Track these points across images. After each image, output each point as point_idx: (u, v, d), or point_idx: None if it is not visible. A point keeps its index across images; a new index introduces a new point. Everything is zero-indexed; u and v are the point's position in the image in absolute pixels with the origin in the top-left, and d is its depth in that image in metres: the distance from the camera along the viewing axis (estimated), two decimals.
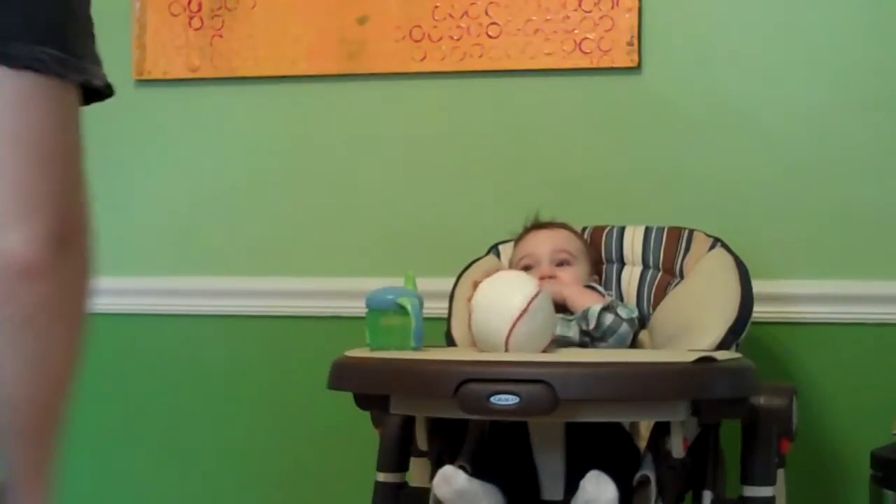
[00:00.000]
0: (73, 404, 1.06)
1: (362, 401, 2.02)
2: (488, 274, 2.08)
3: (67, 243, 0.96)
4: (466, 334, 2.32)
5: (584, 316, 2.18)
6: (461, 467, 2.04)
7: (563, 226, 2.39)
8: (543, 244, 2.33)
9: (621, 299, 2.40)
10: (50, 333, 0.98)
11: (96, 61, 1.01)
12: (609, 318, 2.17)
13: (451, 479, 1.95)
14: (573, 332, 2.19)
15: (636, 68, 2.62)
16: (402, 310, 1.99)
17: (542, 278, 2.28)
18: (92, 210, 1.00)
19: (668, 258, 2.39)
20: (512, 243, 2.43)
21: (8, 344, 0.97)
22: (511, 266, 2.39)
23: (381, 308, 2.03)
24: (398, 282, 2.10)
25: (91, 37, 1.01)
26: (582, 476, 1.92)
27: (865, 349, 2.52)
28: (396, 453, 2.17)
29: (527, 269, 2.32)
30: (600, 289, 2.31)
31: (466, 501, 1.95)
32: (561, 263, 2.31)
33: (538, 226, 2.40)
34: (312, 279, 2.78)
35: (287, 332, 2.79)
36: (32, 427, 1.05)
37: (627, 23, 2.61)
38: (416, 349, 1.99)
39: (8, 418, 1.01)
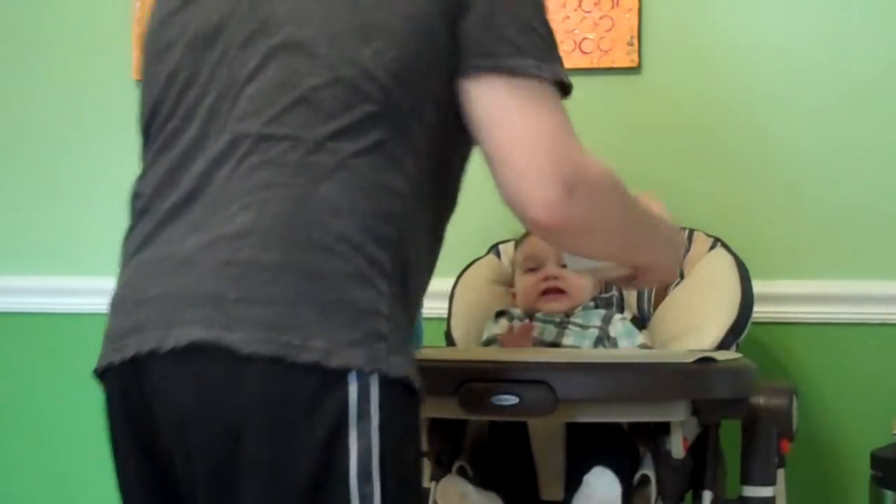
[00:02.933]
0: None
1: None
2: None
3: (572, 190, 1.33)
4: (467, 334, 2.33)
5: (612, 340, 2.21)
6: (461, 468, 2.04)
7: None
8: (547, 245, 2.33)
9: (622, 300, 2.40)
10: (591, 240, 1.45)
11: (560, 61, 1.44)
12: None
13: (451, 488, 1.95)
14: (587, 344, 2.19)
15: (636, 68, 2.62)
16: None
17: (546, 279, 2.29)
18: (588, 159, 1.40)
19: None
20: (512, 243, 2.43)
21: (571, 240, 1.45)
22: (514, 267, 2.39)
23: None
24: None
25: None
26: (582, 476, 1.92)
27: (865, 349, 2.52)
28: None
29: (531, 271, 2.32)
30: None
31: None
32: (565, 264, 2.31)
33: None
34: None
35: None
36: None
37: (627, 23, 2.61)
38: (416, 349, 1.99)
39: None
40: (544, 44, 1.38)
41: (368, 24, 1.34)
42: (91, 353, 3.13)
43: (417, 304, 1.48)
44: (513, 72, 1.32)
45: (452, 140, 1.44)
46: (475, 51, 1.34)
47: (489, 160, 1.37)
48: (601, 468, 1.90)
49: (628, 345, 2.21)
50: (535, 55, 1.35)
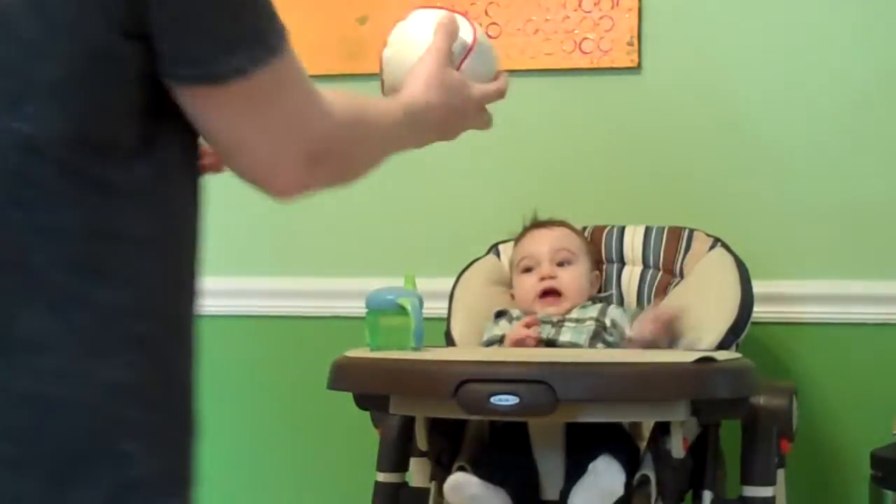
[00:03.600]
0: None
1: (362, 401, 2.02)
2: None
3: (317, 163, 1.17)
4: (467, 334, 2.33)
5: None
6: (461, 468, 2.04)
7: (562, 224, 2.38)
8: (543, 244, 2.33)
9: (621, 299, 2.40)
10: (353, 175, 1.31)
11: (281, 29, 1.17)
12: None
13: (464, 486, 1.95)
14: (584, 339, 2.19)
15: (636, 68, 2.62)
16: (401, 310, 1.99)
17: (542, 279, 2.29)
18: (324, 114, 1.17)
19: (668, 258, 2.39)
20: (512, 243, 2.43)
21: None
22: (512, 268, 2.39)
23: (380, 308, 2.03)
24: (398, 282, 2.10)
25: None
26: (582, 475, 1.92)
27: (865, 349, 2.52)
28: (396, 453, 2.17)
29: (527, 269, 2.32)
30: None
31: None
32: (561, 262, 2.31)
33: (537, 225, 2.39)
34: (312, 279, 2.78)
35: (287, 332, 2.79)
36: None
37: (627, 23, 2.61)
38: (415, 349, 1.99)
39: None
40: (253, 15, 1.11)
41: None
42: None
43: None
44: (225, 79, 1.06)
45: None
46: (176, 57, 1.06)
47: (221, 152, 1.17)
48: (608, 457, 1.90)
49: (622, 321, 2.20)
50: (247, 43, 1.08)
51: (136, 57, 1.04)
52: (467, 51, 1.45)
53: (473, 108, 1.49)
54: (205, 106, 1.08)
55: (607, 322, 2.21)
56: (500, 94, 1.52)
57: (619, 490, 1.89)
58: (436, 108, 1.40)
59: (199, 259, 1.22)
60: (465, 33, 1.45)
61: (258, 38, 1.10)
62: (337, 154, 1.19)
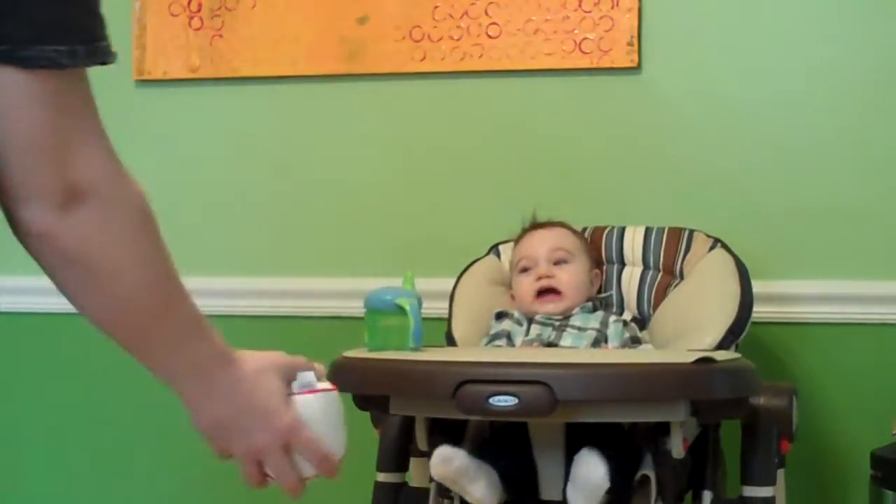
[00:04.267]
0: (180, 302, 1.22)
1: (362, 401, 2.02)
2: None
3: (78, 202, 1.06)
4: (468, 334, 2.33)
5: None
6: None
7: (560, 224, 2.38)
8: (540, 244, 2.33)
9: (621, 300, 2.40)
10: (95, 271, 1.11)
11: (104, 36, 1.10)
12: None
13: (450, 458, 1.94)
14: (584, 345, 2.19)
15: (636, 68, 2.62)
16: (400, 310, 1.99)
17: (539, 278, 2.29)
18: (106, 162, 1.10)
19: (668, 258, 2.39)
20: (512, 243, 2.43)
21: (64, 285, 1.12)
22: (510, 268, 2.39)
23: (379, 308, 2.03)
24: (398, 282, 2.10)
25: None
26: None
27: (865, 349, 2.52)
28: (396, 453, 2.17)
29: (525, 270, 2.32)
30: (639, 336, 2.27)
31: (466, 479, 1.94)
32: (558, 262, 2.31)
33: (535, 226, 2.40)
34: (312, 279, 2.78)
35: (287, 332, 2.79)
36: (139, 344, 1.21)
37: (627, 23, 2.61)
38: (414, 349, 1.99)
39: (114, 338, 1.18)
40: (76, 13, 1.07)
41: None
42: (91, 353, 3.14)
43: None
44: (24, 64, 1.01)
45: None
46: None
47: None
48: (588, 449, 1.89)
49: (613, 339, 2.20)
50: (63, 38, 1.04)
51: None
52: (313, 389, 1.33)
53: (274, 432, 1.29)
54: None
55: (609, 333, 2.22)
56: (320, 459, 1.38)
57: (603, 481, 1.87)
58: (240, 381, 1.25)
59: None
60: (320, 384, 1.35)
61: (83, 37, 1.06)
62: (101, 209, 1.08)
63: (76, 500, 2.94)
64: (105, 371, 2.88)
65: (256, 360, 1.29)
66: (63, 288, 1.12)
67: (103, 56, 1.08)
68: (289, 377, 1.30)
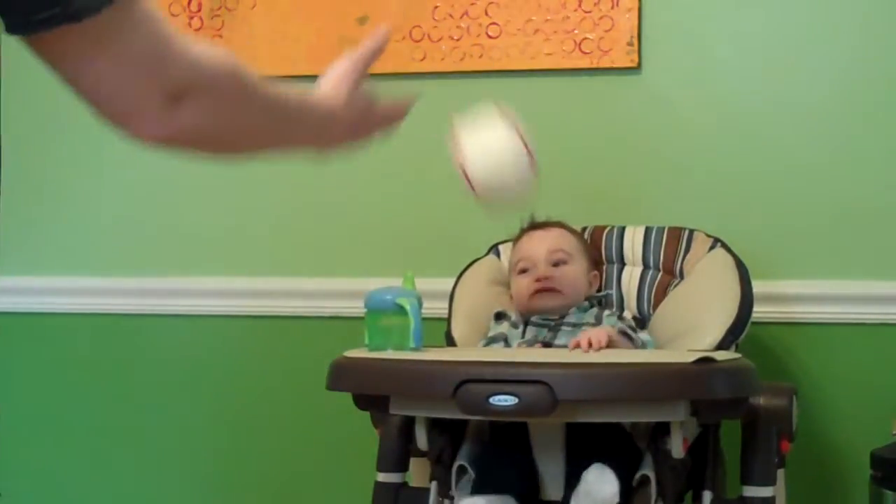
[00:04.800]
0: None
1: (362, 401, 2.02)
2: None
3: (178, 100, 1.11)
4: (467, 334, 2.33)
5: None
6: (461, 468, 2.04)
7: (559, 224, 2.38)
8: (539, 245, 2.33)
9: (621, 299, 2.40)
10: (227, 134, 1.21)
11: None
12: None
13: None
14: None
15: (636, 68, 2.62)
16: (400, 310, 1.99)
17: (538, 279, 2.29)
18: (195, 61, 1.13)
19: (668, 258, 2.39)
20: (511, 243, 2.43)
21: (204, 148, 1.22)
22: (509, 270, 2.39)
23: (379, 308, 2.03)
24: (398, 282, 2.10)
25: None
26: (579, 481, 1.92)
27: (865, 349, 2.52)
28: (396, 453, 2.17)
29: (524, 271, 2.32)
30: (630, 333, 2.24)
31: None
32: (557, 263, 2.31)
33: (533, 226, 2.39)
34: (312, 279, 2.78)
35: (287, 332, 2.79)
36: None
37: (627, 23, 2.61)
38: (415, 349, 1.99)
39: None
40: None
41: None
42: (91, 353, 3.14)
43: None
44: (79, 16, 1.07)
45: None
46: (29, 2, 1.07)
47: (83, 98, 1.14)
48: (600, 465, 1.90)
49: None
50: None
51: None
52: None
53: (374, 126, 1.48)
54: (61, 52, 1.08)
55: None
56: (401, 114, 1.52)
57: (613, 498, 1.88)
58: (335, 119, 1.41)
59: None
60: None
61: None
62: (200, 96, 1.14)
63: (76, 499, 2.94)
64: (105, 371, 2.88)
65: (334, 85, 1.46)
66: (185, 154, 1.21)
67: None
68: (371, 55, 1.48)
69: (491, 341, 2.26)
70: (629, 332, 2.24)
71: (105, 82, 1.10)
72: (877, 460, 2.25)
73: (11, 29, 1.07)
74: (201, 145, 1.20)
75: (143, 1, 1.12)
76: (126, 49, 1.09)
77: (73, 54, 1.09)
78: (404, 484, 2.18)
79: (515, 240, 2.40)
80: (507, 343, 2.25)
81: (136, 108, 1.11)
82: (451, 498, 2.07)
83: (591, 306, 2.29)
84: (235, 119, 1.21)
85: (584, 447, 2.00)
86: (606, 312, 2.27)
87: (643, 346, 2.21)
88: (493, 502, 1.97)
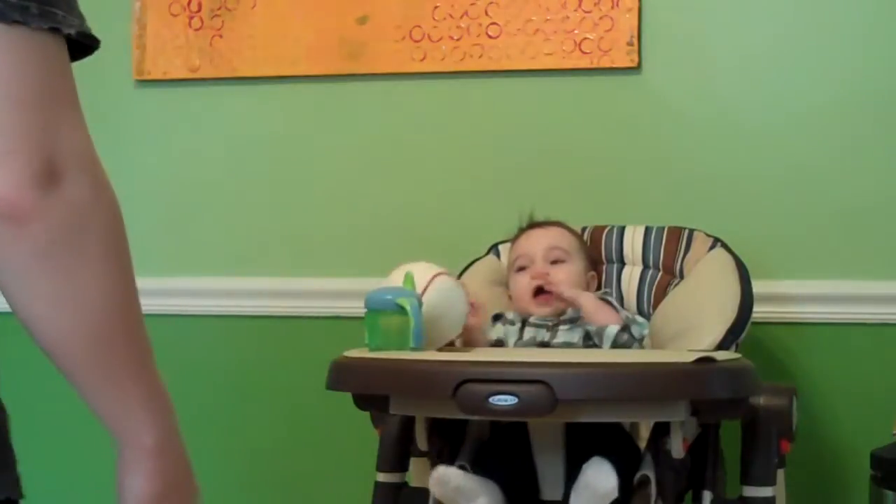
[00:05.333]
0: (140, 337, 1.08)
1: (362, 401, 2.02)
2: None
3: (56, 180, 0.95)
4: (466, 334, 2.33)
5: (599, 333, 2.18)
6: (461, 467, 2.04)
7: (557, 224, 2.38)
8: (537, 243, 2.33)
9: (621, 299, 2.40)
10: (63, 270, 0.97)
11: (69, 10, 1.00)
12: (623, 338, 2.17)
13: (446, 479, 1.95)
14: (577, 338, 2.19)
15: (636, 68, 2.62)
16: (401, 310, 1.99)
17: (535, 277, 2.29)
18: (90, 148, 1.00)
19: (668, 258, 2.39)
20: (510, 243, 2.43)
21: (23, 288, 0.98)
22: (507, 267, 2.39)
23: (379, 308, 2.03)
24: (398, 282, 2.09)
25: None
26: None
27: (865, 349, 2.52)
28: (396, 453, 2.17)
29: (521, 269, 2.32)
30: (614, 303, 2.29)
31: (465, 498, 1.95)
32: (555, 261, 2.31)
33: (532, 225, 2.40)
34: (312, 279, 2.78)
35: (287, 332, 2.79)
36: (94, 366, 1.06)
37: (627, 23, 2.61)
38: (415, 349, 1.99)
39: (62, 363, 1.03)
40: None
41: None
42: None
43: None
44: None
45: None
46: None
47: None
48: (599, 459, 1.90)
49: (622, 341, 2.19)
50: None
51: None
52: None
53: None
54: None
55: (591, 328, 2.22)
56: None
57: (612, 492, 1.88)
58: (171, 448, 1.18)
59: None
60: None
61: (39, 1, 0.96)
62: (83, 192, 0.97)
63: (76, 500, 2.94)
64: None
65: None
66: (19, 289, 0.98)
67: (56, 21, 0.97)
68: None
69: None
70: (614, 302, 2.24)
71: None
72: (877, 460, 2.25)
73: None
74: (47, 252, 0.97)
75: (70, 73, 1.00)
76: (23, 95, 0.95)
77: None
78: (404, 484, 2.18)
79: (514, 238, 2.40)
80: (502, 344, 2.25)
81: (5, 160, 0.94)
82: None
83: None
84: (107, 247, 1.01)
85: (584, 447, 2.00)
86: None
87: (632, 321, 2.21)
88: (466, 478, 1.96)
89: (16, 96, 0.94)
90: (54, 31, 0.97)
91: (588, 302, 2.23)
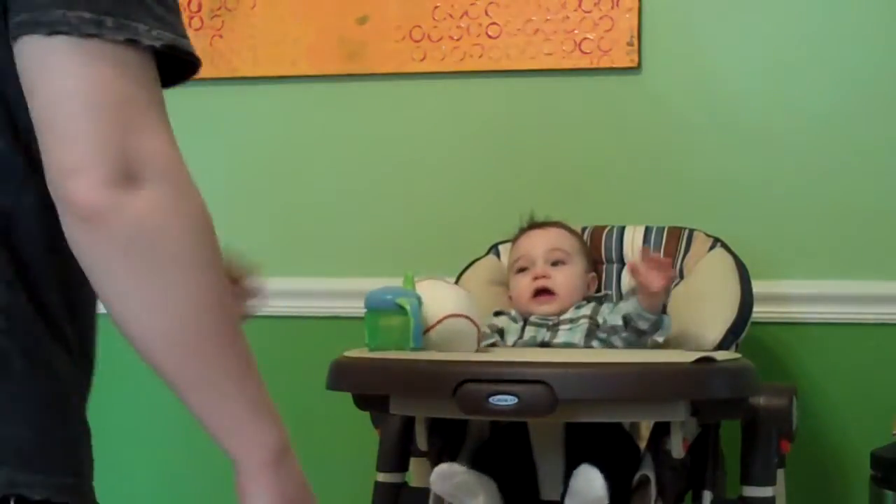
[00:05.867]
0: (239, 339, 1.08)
1: (362, 401, 2.02)
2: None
3: (133, 185, 0.99)
4: None
5: (657, 324, 2.14)
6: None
7: (558, 224, 2.38)
8: (537, 244, 2.33)
9: (621, 299, 2.40)
10: (144, 271, 1.00)
11: (157, 23, 1.03)
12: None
13: (451, 474, 1.95)
14: (578, 338, 2.19)
15: (636, 68, 2.62)
16: (401, 310, 1.99)
17: (535, 278, 2.29)
18: (172, 155, 1.04)
19: (667, 258, 2.39)
20: (511, 243, 2.43)
21: (107, 285, 1.01)
22: (508, 268, 2.39)
23: (379, 308, 2.03)
24: (398, 282, 2.09)
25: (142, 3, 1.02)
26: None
27: (865, 349, 2.52)
28: (396, 453, 2.17)
29: (522, 270, 2.32)
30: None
31: (467, 495, 1.95)
32: (556, 262, 2.31)
33: (533, 226, 2.39)
34: (312, 279, 2.78)
35: (287, 332, 2.79)
36: (189, 373, 1.08)
37: (627, 23, 2.61)
38: (415, 349, 1.99)
39: (160, 370, 1.07)
40: None
41: None
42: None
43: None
44: (52, 27, 0.97)
45: None
46: (16, 5, 0.99)
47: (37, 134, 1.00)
48: (587, 466, 1.90)
49: (613, 320, 2.18)
50: (91, 6, 0.98)
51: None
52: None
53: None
54: (29, 63, 0.98)
55: (600, 320, 2.21)
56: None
57: (602, 499, 1.88)
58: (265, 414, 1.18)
59: None
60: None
61: (112, 10, 0.99)
62: (160, 190, 1.00)
63: None
64: (105, 371, 2.87)
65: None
66: (108, 289, 1.01)
67: (136, 33, 1.00)
68: None
69: (493, 337, 2.25)
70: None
71: (62, 127, 0.98)
72: (877, 460, 2.25)
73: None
74: (132, 263, 1.00)
75: (157, 82, 1.03)
76: (105, 101, 0.98)
77: (40, 74, 0.98)
78: (404, 484, 2.18)
79: (514, 238, 2.40)
80: (502, 336, 2.25)
81: (82, 174, 0.97)
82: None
83: (589, 303, 2.29)
84: (193, 246, 1.03)
85: (584, 447, 2.00)
86: (605, 304, 2.27)
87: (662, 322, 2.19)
88: (469, 474, 1.96)
89: (94, 105, 0.98)
90: (132, 42, 1.00)
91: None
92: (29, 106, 0.99)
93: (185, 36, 1.06)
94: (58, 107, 0.98)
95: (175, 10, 1.05)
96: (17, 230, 1.04)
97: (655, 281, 2.08)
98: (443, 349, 1.98)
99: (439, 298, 2.02)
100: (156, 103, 1.03)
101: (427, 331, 1.98)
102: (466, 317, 2.01)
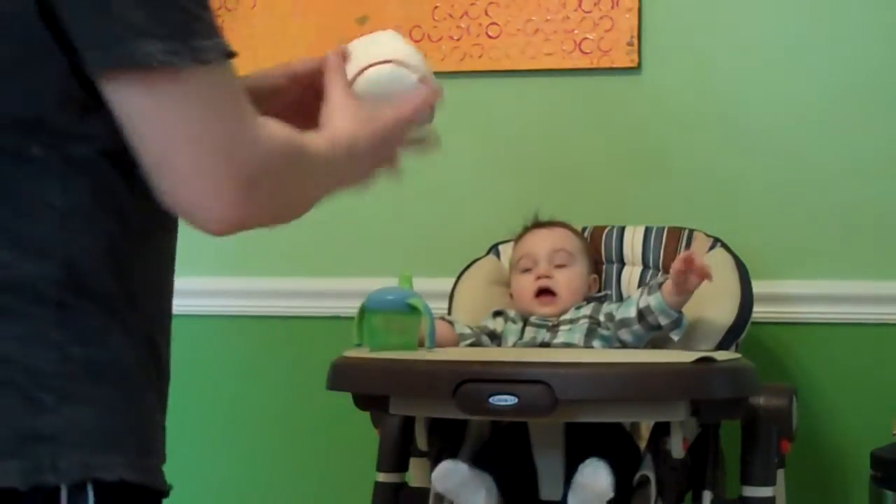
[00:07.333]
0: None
1: (362, 401, 2.02)
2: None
3: (254, 185, 1.08)
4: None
5: (678, 321, 2.14)
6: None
7: (562, 225, 2.38)
8: (541, 244, 2.33)
9: (621, 299, 2.40)
10: (295, 209, 1.25)
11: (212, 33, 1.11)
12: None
13: (453, 472, 1.95)
14: (578, 338, 2.19)
15: (636, 68, 2.62)
16: (410, 310, 1.98)
17: (538, 278, 2.29)
18: (272, 140, 1.11)
19: (668, 258, 2.39)
20: (512, 243, 2.43)
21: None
22: (511, 268, 2.39)
23: (386, 309, 2.01)
24: (397, 282, 2.09)
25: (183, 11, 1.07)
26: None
27: (865, 349, 2.52)
28: (396, 453, 2.17)
29: (526, 269, 2.32)
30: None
31: (468, 493, 1.95)
32: (559, 263, 2.31)
33: (537, 225, 2.39)
34: (312, 279, 2.78)
35: (287, 332, 2.79)
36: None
37: (627, 23, 2.61)
38: (429, 349, 1.98)
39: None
40: (175, 12, 1.05)
41: None
42: None
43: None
44: (136, 64, 1.02)
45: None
46: (85, 41, 1.02)
47: (147, 167, 1.07)
48: (595, 459, 1.90)
49: (625, 313, 2.17)
50: (161, 33, 1.03)
51: (58, 45, 1.02)
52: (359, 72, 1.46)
53: (393, 128, 1.44)
54: (120, 101, 1.03)
55: (601, 318, 2.21)
56: (417, 109, 1.50)
57: (608, 491, 1.88)
58: (363, 139, 1.33)
59: (156, 239, 1.22)
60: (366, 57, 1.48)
61: (177, 36, 1.04)
62: (274, 181, 1.11)
63: None
64: None
65: (341, 112, 1.36)
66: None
67: (210, 55, 1.09)
68: (344, 75, 1.45)
69: (474, 336, 2.24)
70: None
71: (172, 160, 1.05)
72: (877, 460, 2.25)
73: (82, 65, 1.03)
74: (266, 222, 1.18)
75: (232, 80, 1.11)
76: (200, 125, 1.05)
77: (135, 111, 1.03)
78: (404, 484, 2.18)
79: (518, 237, 2.40)
80: (497, 340, 2.25)
81: (209, 196, 1.07)
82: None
83: (589, 303, 2.29)
84: (303, 194, 1.22)
85: (584, 447, 2.00)
86: (606, 303, 2.27)
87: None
88: (472, 473, 1.96)
89: (193, 139, 1.04)
90: (203, 62, 1.07)
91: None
92: (140, 153, 1.05)
93: (221, 39, 1.14)
94: (171, 150, 1.04)
95: (210, 8, 1.12)
96: (72, 223, 1.07)
97: (694, 279, 2.09)
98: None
99: (361, 48, 1.57)
100: (244, 110, 1.10)
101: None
102: (391, 61, 1.57)
